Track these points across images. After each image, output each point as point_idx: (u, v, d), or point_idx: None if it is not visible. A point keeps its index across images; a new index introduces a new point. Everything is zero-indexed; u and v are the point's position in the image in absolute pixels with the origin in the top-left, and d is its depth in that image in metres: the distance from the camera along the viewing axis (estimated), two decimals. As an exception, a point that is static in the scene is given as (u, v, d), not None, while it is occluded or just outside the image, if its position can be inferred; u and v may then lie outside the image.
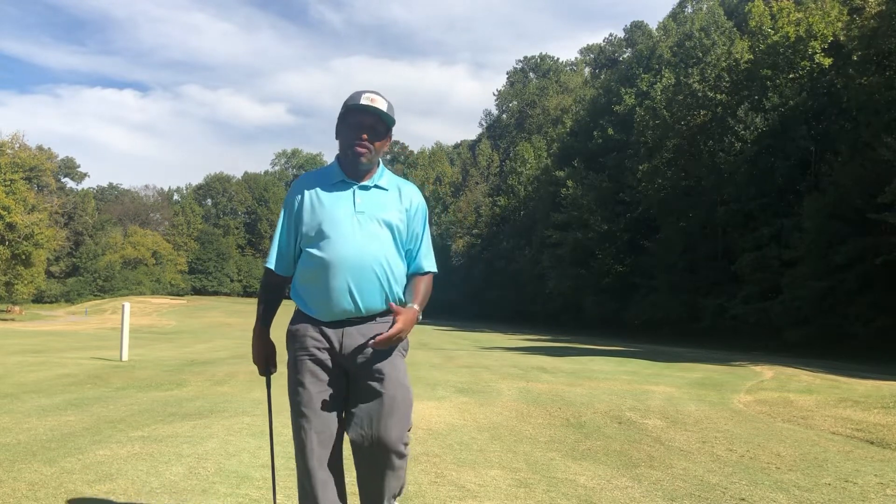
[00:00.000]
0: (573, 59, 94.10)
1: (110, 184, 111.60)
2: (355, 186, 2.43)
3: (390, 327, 2.31)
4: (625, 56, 69.18)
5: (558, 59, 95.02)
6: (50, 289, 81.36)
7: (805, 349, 23.85)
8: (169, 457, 4.31)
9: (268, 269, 2.51)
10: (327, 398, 2.37)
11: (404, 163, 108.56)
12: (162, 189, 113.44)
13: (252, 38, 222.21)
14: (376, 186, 2.45)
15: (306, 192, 2.43)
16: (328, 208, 2.39)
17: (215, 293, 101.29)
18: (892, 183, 20.28)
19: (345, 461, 2.46)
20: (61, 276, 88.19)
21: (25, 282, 55.39)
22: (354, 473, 2.44)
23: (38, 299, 76.88)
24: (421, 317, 2.42)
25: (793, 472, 4.45)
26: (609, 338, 32.94)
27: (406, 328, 2.32)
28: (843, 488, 4.09)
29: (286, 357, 2.48)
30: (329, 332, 2.38)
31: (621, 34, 78.25)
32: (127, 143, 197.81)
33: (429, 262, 2.53)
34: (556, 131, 61.61)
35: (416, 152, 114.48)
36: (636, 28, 72.91)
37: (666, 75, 44.10)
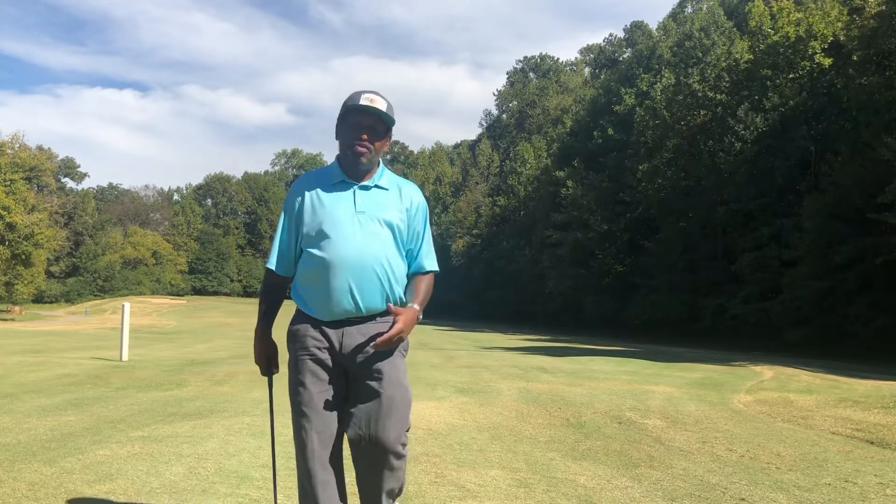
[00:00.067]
0: (573, 59, 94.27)
1: (110, 184, 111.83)
2: (356, 186, 2.43)
3: (390, 328, 2.31)
4: (625, 56, 69.19)
5: (558, 59, 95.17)
6: (50, 289, 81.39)
7: (805, 349, 23.85)
8: (169, 457, 4.31)
9: (269, 270, 2.51)
10: (328, 398, 2.37)
11: (404, 163, 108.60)
12: (162, 189, 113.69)
13: (252, 38, 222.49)
14: (377, 186, 2.46)
15: (307, 193, 2.43)
16: (329, 208, 2.39)
17: (215, 293, 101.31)
18: (892, 183, 20.28)
19: (345, 461, 2.46)
20: (61, 276, 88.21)
21: (25, 282, 55.40)
22: (354, 473, 2.45)
23: (38, 299, 76.90)
24: (421, 316, 2.42)
25: (793, 472, 4.45)
26: (609, 338, 32.94)
27: (406, 328, 2.32)
28: (843, 488, 4.09)
29: (287, 357, 2.49)
30: (329, 331, 2.38)
31: (621, 34, 78.36)
32: (127, 143, 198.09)
33: (430, 262, 2.53)
34: (556, 131, 61.61)
35: (416, 152, 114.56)
36: (636, 28, 72.93)
37: (666, 75, 44.10)
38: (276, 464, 2.82)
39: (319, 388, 2.37)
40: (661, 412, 6.88)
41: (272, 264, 2.49)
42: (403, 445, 2.34)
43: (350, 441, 2.35)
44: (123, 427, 5.35)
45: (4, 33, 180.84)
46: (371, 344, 2.33)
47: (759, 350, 24.01)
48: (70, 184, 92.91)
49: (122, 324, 12.73)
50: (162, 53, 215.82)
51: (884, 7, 23.25)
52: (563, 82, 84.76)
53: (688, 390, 9.02)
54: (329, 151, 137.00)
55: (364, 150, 2.38)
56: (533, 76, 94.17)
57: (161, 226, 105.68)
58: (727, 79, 34.34)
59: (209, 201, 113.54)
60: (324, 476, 2.34)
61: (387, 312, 2.37)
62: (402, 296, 2.45)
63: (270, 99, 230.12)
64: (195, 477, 3.85)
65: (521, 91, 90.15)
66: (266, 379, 2.65)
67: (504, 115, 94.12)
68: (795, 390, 9.30)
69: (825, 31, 29.49)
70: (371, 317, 2.39)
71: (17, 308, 60.72)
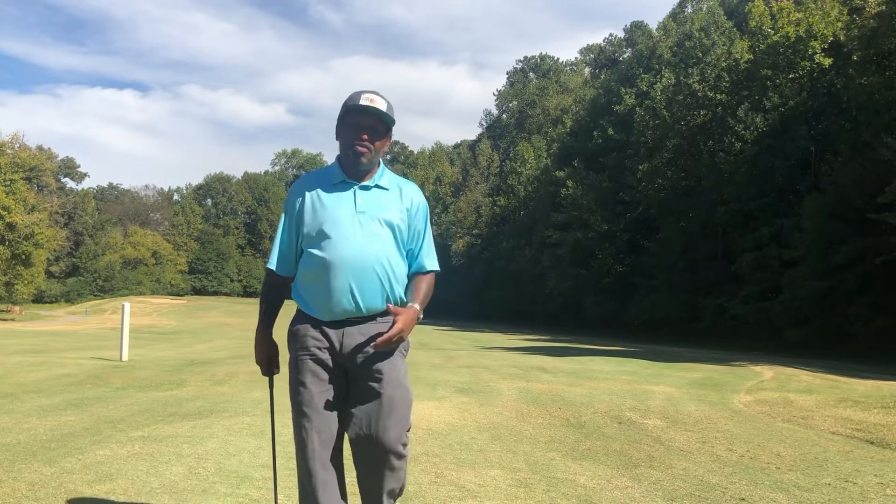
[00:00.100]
0: (573, 59, 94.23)
1: (110, 184, 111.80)
2: (356, 187, 2.43)
3: (390, 328, 2.31)
4: (625, 56, 69.18)
5: (558, 59, 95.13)
6: (50, 289, 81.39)
7: (805, 349, 23.85)
8: (169, 457, 4.31)
9: (269, 270, 2.51)
10: (328, 398, 2.38)
11: (404, 163, 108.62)
12: (162, 189, 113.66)
13: (252, 38, 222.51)
14: (377, 186, 2.46)
15: (307, 193, 2.44)
16: (329, 209, 2.39)
17: (215, 293, 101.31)
18: (892, 183, 20.28)
19: (345, 461, 2.46)
20: (61, 276, 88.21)
21: (25, 282, 55.39)
22: (355, 473, 2.45)
23: (38, 299, 76.90)
24: (422, 316, 2.42)
25: (793, 472, 4.45)
26: (609, 338, 32.94)
27: (406, 328, 2.32)
28: (843, 488, 4.09)
29: (288, 357, 2.49)
30: (330, 331, 2.38)
31: (621, 34, 78.33)
32: (127, 143, 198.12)
33: (430, 261, 2.53)
34: (556, 131, 61.60)
35: (416, 152, 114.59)
36: (636, 28, 72.91)
37: (666, 75, 44.09)
38: (277, 464, 2.82)
39: (320, 388, 2.37)
40: (661, 412, 6.88)
41: (273, 264, 2.49)
42: (404, 445, 2.34)
43: (351, 441, 2.35)
44: (123, 427, 5.35)
45: (4, 33, 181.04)
46: (371, 344, 2.33)
47: (759, 350, 24.00)
48: (70, 184, 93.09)
49: (122, 324, 12.73)
50: (162, 53, 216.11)
51: (884, 7, 23.25)
52: (563, 82, 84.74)
53: (688, 390, 9.02)
54: (329, 151, 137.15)
55: (364, 150, 2.39)
56: (533, 76, 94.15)
57: (161, 226, 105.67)
58: (727, 79, 34.34)
59: (209, 201, 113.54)
60: (324, 476, 2.34)
61: (388, 312, 2.37)
62: (403, 296, 2.45)
63: (270, 99, 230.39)
64: (195, 477, 3.85)
65: (521, 91, 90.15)
66: (267, 379, 2.65)
67: (504, 115, 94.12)
68: (795, 390, 9.30)
69: (825, 31, 29.48)
70: (371, 317, 2.39)
71: (17, 308, 60.72)
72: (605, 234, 43.54)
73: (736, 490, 3.98)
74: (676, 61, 45.65)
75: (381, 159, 2.50)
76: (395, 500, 2.46)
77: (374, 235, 2.38)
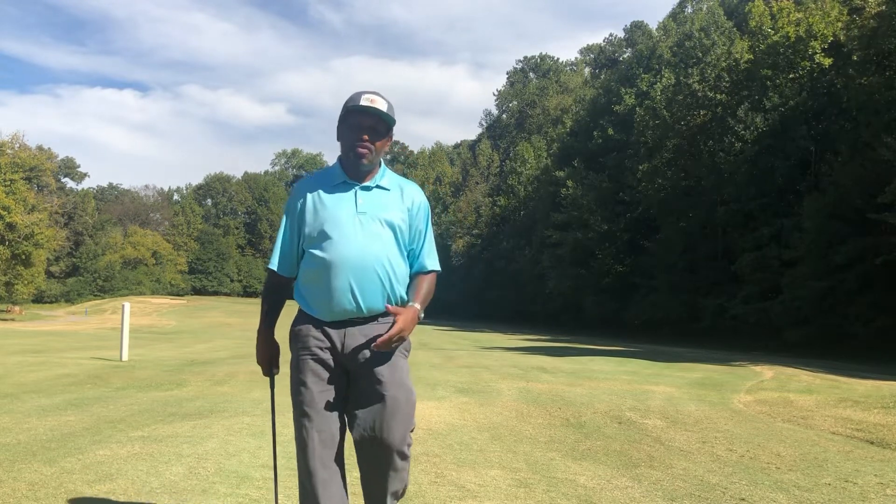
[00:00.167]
0: (573, 59, 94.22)
1: (110, 184, 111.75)
2: (357, 187, 2.44)
3: (390, 328, 2.31)
4: (625, 56, 69.18)
5: (558, 59, 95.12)
6: (50, 289, 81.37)
7: (805, 349, 23.85)
8: (169, 457, 4.31)
9: (271, 271, 2.52)
10: (329, 398, 2.38)
11: (404, 163, 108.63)
12: (162, 189, 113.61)
13: (252, 38, 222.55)
14: (378, 187, 2.46)
15: (308, 194, 2.44)
16: (330, 209, 2.40)
17: (215, 293, 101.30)
18: (892, 183, 20.28)
19: (346, 460, 2.46)
20: (61, 276, 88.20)
21: (25, 282, 55.38)
22: (355, 473, 2.45)
23: (38, 299, 76.89)
24: (423, 315, 2.43)
25: (793, 472, 4.45)
26: (609, 338, 32.94)
27: (406, 328, 2.32)
28: (843, 488, 4.09)
29: (289, 357, 2.49)
30: (331, 332, 2.39)
31: (621, 34, 78.32)
32: (127, 143, 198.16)
33: (431, 261, 2.54)
34: (556, 131, 61.60)
35: (416, 152, 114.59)
36: (636, 28, 72.91)
37: (666, 75, 44.09)
38: (277, 464, 2.82)
39: (321, 388, 2.38)
40: (661, 412, 6.88)
41: (274, 265, 2.50)
42: (408, 446, 2.36)
43: (355, 443, 2.37)
44: (123, 427, 5.35)
45: (4, 33, 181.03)
46: (373, 345, 2.33)
47: (759, 350, 24.00)
48: (70, 184, 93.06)
49: (122, 324, 12.74)
50: (162, 53, 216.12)
51: (884, 7, 23.25)
52: (563, 82, 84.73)
53: (688, 390, 9.02)
54: (329, 151, 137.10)
55: (365, 150, 2.39)
56: (533, 76, 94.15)
57: (161, 226, 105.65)
58: (727, 79, 34.33)
59: (209, 201, 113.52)
60: (324, 475, 2.34)
61: (389, 313, 2.38)
62: (405, 296, 2.45)
63: (270, 99, 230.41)
64: (195, 477, 3.85)
65: (521, 91, 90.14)
66: (267, 379, 2.66)
67: (504, 115, 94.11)
68: (795, 390, 9.30)
69: (825, 31, 29.48)
70: (373, 317, 2.40)
71: (17, 308, 60.72)
72: (605, 234, 43.54)
73: (736, 490, 3.98)
74: (676, 61, 45.65)
75: (381, 160, 2.51)
76: (397, 501, 2.46)
77: (375, 236, 2.38)
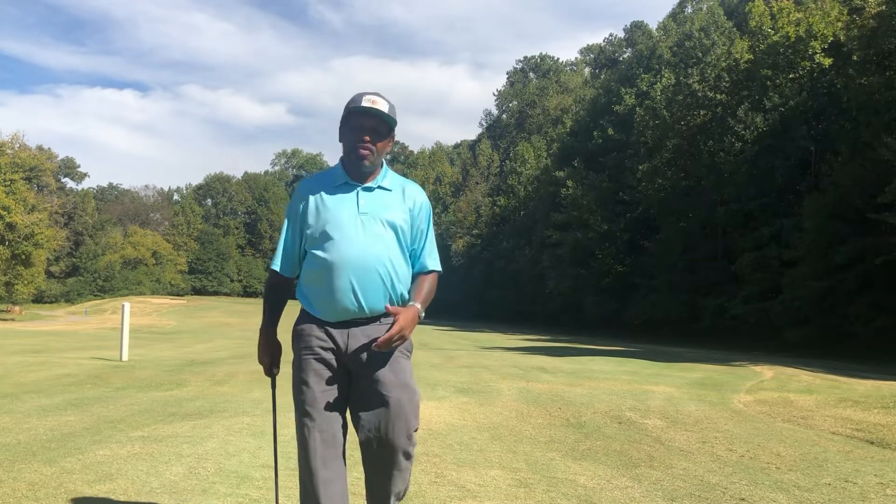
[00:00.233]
0: (573, 59, 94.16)
1: (110, 184, 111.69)
2: (359, 188, 2.45)
3: (390, 327, 2.32)
4: (625, 56, 69.16)
5: (558, 59, 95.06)
6: (50, 289, 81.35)
7: (805, 349, 23.85)
8: (169, 457, 4.31)
9: (273, 271, 2.54)
10: (331, 398, 2.39)
11: (404, 163, 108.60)
12: (162, 189, 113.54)
13: (252, 38, 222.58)
14: (380, 187, 2.47)
15: (310, 195, 2.46)
16: (332, 210, 2.41)
17: (215, 293, 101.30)
18: (892, 183, 20.28)
19: (346, 460, 2.47)
20: (61, 276, 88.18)
21: (25, 282, 55.38)
22: (355, 473, 2.45)
23: (38, 299, 76.87)
24: (423, 315, 2.43)
25: (793, 472, 4.45)
26: (609, 338, 32.94)
27: (407, 327, 2.32)
28: (843, 488, 4.09)
29: (291, 357, 2.50)
30: (334, 332, 2.40)
31: (621, 34, 78.25)
32: (127, 143, 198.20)
33: (433, 261, 2.55)
34: (556, 131, 61.59)
35: (416, 152, 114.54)
36: (636, 28, 72.87)
37: (666, 75, 44.08)
38: (277, 464, 2.82)
39: (322, 388, 2.38)
40: (661, 412, 6.88)
41: (277, 266, 2.52)
42: (413, 446, 2.37)
43: (361, 444, 2.38)
44: (123, 427, 5.35)
45: (4, 33, 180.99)
46: (373, 345, 2.33)
47: (759, 350, 24.01)
48: (70, 184, 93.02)
49: (122, 324, 12.74)
50: (162, 53, 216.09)
51: (884, 7, 23.25)
52: (563, 82, 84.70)
53: (688, 390, 9.02)
54: (329, 151, 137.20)
55: (367, 152, 2.40)
56: (533, 76, 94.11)
57: (161, 226, 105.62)
58: (727, 79, 34.33)
59: (209, 201, 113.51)
60: (325, 475, 2.34)
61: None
62: (407, 296, 2.46)
63: (270, 99, 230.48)
64: (195, 477, 3.85)
65: (521, 91, 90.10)
66: (268, 379, 2.66)
67: (504, 115, 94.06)
68: (795, 390, 9.30)
69: (825, 31, 29.48)
70: (375, 318, 2.41)
71: (17, 308, 60.71)
72: (605, 234, 43.54)
73: (736, 490, 3.98)
74: (676, 61, 45.65)
75: (383, 160, 2.51)
76: (399, 502, 2.48)
77: (377, 236, 2.39)
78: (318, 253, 2.38)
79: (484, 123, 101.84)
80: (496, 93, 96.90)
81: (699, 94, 35.32)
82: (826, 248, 24.84)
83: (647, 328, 37.23)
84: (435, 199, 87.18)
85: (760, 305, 28.50)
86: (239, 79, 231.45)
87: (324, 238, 2.38)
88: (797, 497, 3.87)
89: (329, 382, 2.39)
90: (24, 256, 53.32)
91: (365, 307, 2.37)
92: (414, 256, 2.52)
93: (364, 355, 2.37)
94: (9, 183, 51.91)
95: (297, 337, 2.45)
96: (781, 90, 30.76)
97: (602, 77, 68.53)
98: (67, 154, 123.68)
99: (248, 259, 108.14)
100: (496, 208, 70.51)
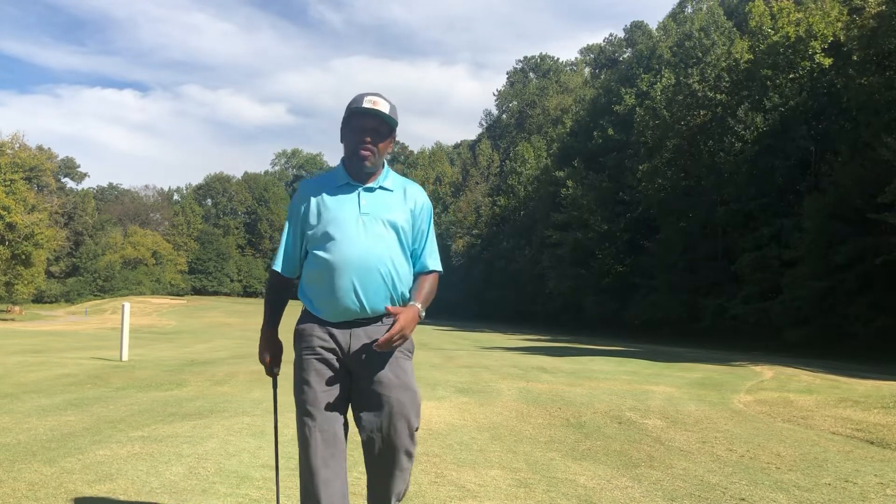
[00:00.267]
0: (573, 59, 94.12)
1: (110, 184, 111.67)
2: (360, 188, 2.45)
3: (390, 326, 2.32)
4: (625, 56, 69.15)
5: (558, 59, 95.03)
6: (50, 289, 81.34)
7: (805, 349, 23.86)
8: (169, 457, 4.31)
9: (273, 272, 2.55)
10: (332, 397, 2.40)
11: (404, 163, 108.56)
12: (162, 189, 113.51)
13: (252, 38, 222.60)
14: (381, 188, 2.48)
15: (312, 196, 2.47)
16: (333, 211, 2.42)
17: (215, 293, 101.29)
18: (892, 183, 20.28)
19: (347, 461, 2.47)
20: (61, 276, 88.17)
21: (25, 282, 55.37)
22: (355, 473, 2.46)
23: (38, 299, 76.86)
24: (424, 314, 2.44)
25: (793, 472, 4.45)
26: (609, 338, 32.95)
27: (407, 326, 2.33)
28: (843, 488, 4.09)
29: (292, 356, 2.50)
30: (336, 332, 2.41)
31: (621, 34, 78.23)
32: (127, 143, 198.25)
33: (433, 261, 2.56)
34: (556, 131, 61.59)
35: (416, 152, 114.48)
36: (636, 28, 72.87)
37: (666, 75, 44.08)
38: (279, 463, 2.83)
39: (324, 388, 2.39)
40: (661, 412, 6.88)
41: (278, 266, 2.53)
42: (414, 445, 2.39)
43: (363, 444, 2.40)
44: (123, 427, 5.34)
45: (4, 33, 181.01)
46: (374, 345, 2.34)
47: (759, 350, 24.01)
48: (70, 184, 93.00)
49: (122, 324, 12.73)
50: (162, 53, 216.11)
51: (884, 7, 23.25)
52: (563, 82, 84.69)
53: (688, 390, 9.02)
54: (329, 151, 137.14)
55: (368, 153, 2.41)
56: (533, 76, 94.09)
57: (161, 226, 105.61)
58: (727, 79, 34.33)
59: (209, 201, 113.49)
60: (326, 475, 2.35)
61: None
62: (408, 296, 2.47)
63: (270, 99, 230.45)
64: (195, 477, 3.85)
65: (521, 91, 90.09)
66: (269, 379, 2.67)
67: (504, 115, 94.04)
68: (795, 390, 9.30)
69: (825, 31, 29.49)
70: (377, 318, 2.41)
71: (17, 308, 60.70)
72: (605, 234, 43.54)
73: (736, 490, 3.98)
74: (676, 61, 45.64)
75: (384, 160, 2.52)
76: (399, 502, 2.49)
77: (379, 237, 2.40)
78: (320, 253, 2.39)
79: (484, 123, 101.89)
80: (496, 93, 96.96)
81: (699, 94, 35.32)
82: (826, 248, 24.84)
83: (647, 328, 37.23)
84: (435, 199, 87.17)
85: (760, 305, 28.51)
86: (239, 79, 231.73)
87: (325, 238, 2.39)
88: (797, 497, 3.87)
89: (330, 382, 2.40)
90: (24, 256, 53.32)
91: (367, 307, 2.38)
92: (415, 256, 2.52)
93: (366, 356, 2.38)
94: (9, 183, 51.91)
95: (299, 337, 2.46)
96: (781, 90, 30.76)
97: (602, 77, 68.52)
98: (67, 154, 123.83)
99: (248, 259, 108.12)
100: (496, 208, 70.51)
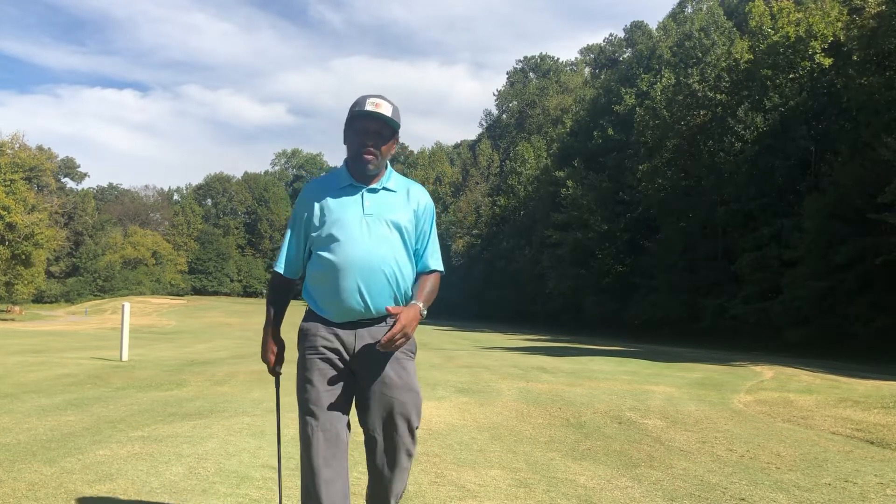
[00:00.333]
0: (573, 59, 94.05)
1: (110, 184, 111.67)
2: (364, 190, 2.46)
3: (391, 326, 2.33)
4: (625, 56, 69.12)
5: (558, 59, 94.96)
6: (50, 289, 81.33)
7: (805, 349, 23.85)
8: (169, 457, 4.31)
9: (275, 273, 2.56)
10: (335, 397, 2.41)
11: (404, 163, 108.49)
12: (162, 189, 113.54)
13: (252, 38, 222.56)
14: (385, 189, 2.49)
15: (316, 198, 2.48)
16: (337, 212, 2.43)
17: (215, 293, 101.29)
18: (892, 183, 20.28)
19: (348, 460, 2.47)
20: (61, 276, 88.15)
21: (25, 282, 55.37)
22: (355, 473, 2.46)
23: (38, 299, 76.86)
24: (425, 314, 2.44)
25: (793, 472, 4.45)
26: (609, 338, 32.94)
27: (409, 325, 2.33)
28: (843, 488, 4.09)
29: (295, 356, 2.51)
30: (340, 332, 2.42)
31: (621, 34, 78.16)
32: (127, 143, 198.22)
33: (435, 261, 2.57)
34: (556, 131, 61.57)
35: (416, 152, 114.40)
36: (636, 28, 72.83)
37: (666, 75, 44.07)
38: (281, 463, 2.83)
39: (326, 388, 2.40)
40: (661, 412, 6.88)
41: (280, 268, 2.54)
42: (415, 444, 2.42)
43: (365, 443, 2.42)
44: (123, 427, 5.35)
45: (4, 33, 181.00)
46: (377, 344, 2.35)
47: (759, 350, 24.01)
48: (70, 184, 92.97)
49: (122, 324, 12.74)
50: (162, 53, 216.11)
51: (884, 7, 23.24)
52: (563, 82, 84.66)
53: (688, 390, 9.02)
54: (329, 152, 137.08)
55: (371, 156, 2.42)
56: (533, 76, 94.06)
57: (161, 226, 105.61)
58: (727, 79, 34.32)
59: (209, 201, 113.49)
60: (327, 474, 2.36)
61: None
62: (411, 296, 2.48)
63: (270, 99, 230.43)
64: (195, 477, 3.85)
65: (521, 91, 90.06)
66: (272, 378, 2.68)
67: (504, 115, 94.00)
68: (795, 390, 9.30)
69: (825, 31, 29.48)
70: (382, 319, 2.42)
71: (17, 308, 60.70)
72: (605, 234, 43.53)
73: (736, 490, 3.98)
74: (676, 61, 45.63)
75: (387, 161, 2.53)
76: (398, 501, 2.49)
77: (383, 238, 2.41)
78: (324, 254, 2.40)
79: (484, 123, 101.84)
80: (496, 93, 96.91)
81: (699, 94, 35.31)
82: (826, 248, 24.84)
83: (647, 328, 37.23)
84: (435, 199, 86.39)
85: (760, 305, 28.50)
86: (239, 79, 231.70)
87: (329, 240, 2.40)
88: (797, 497, 3.87)
89: (333, 382, 2.40)
90: (24, 256, 53.32)
91: (371, 308, 2.39)
92: (417, 256, 2.53)
93: (369, 356, 2.39)
94: (9, 183, 51.91)
95: (303, 336, 2.46)
96: (781, 90, 30.75)
97: (602, 77, 68.51)
98: (67, 154, 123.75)
99: (248, 259, 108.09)
100: (496, 208, 70.48)
